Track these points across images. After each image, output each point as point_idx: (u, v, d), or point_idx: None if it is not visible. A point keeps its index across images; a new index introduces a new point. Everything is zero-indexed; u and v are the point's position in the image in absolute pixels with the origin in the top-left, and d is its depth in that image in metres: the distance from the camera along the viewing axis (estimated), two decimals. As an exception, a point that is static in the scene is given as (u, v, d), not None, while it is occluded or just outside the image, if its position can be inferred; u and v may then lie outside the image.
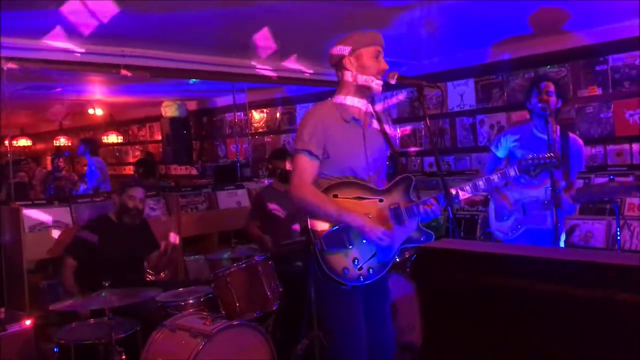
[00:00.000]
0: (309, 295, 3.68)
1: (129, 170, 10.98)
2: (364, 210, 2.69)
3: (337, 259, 2.64)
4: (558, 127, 3.68)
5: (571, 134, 3.91)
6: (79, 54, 5.21)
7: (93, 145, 7.87)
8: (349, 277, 2.65)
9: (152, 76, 5.57)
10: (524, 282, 1.16)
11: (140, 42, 5.37)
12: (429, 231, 2.86)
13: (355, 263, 2.67)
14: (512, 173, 2.97)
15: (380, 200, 2.76)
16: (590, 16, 5.12)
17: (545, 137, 3.53)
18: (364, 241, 2.68)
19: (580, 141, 3.96)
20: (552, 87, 3.75)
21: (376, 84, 2.72)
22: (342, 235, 2.64)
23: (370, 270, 2.71)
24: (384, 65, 2.74)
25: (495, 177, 2.95)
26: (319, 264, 2.62)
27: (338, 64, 2.78)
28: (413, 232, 2.83)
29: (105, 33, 4.89)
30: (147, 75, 5.43)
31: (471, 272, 1.25)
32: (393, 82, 2.56)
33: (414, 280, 2.22)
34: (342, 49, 2.75)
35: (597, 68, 5.62)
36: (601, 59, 5.59)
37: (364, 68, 2.72)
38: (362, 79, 2.72)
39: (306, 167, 2.69)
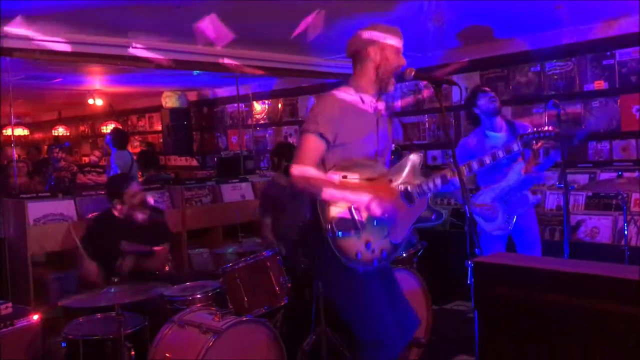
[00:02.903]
0: (316, 290, 3.69)
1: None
2: (374, 191, 2.64)
3: (350, 243, 2.59)
4: (503, 120, 4.15)
5: (516, 121, 4.26)
6: (81, 45, 5.17)
7: (117, 138, 7.62)
8: (363, 261, 2.61)
9: (155, 67, 5.52)
10: (584, 300, 1.13)
11: (146, 33, 5.33)
12: (439, 210, 2.87)
13: (368, 246, 2.63)
14: (515, 147, 3.00)
15: (390, 181, 2.74)
16: (597, 10, 5.09)
17: (497, 134, 4.05)
18: (375, 222, 2.64)
19: (528, 124, 4.19)
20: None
21: (392, 82, 2.74)
22: (352, 217, 2.60)
23: (383, 252, 2.68)
24: (403, 62, 2.74)
25: (500, 153, 2.96)
26: (331, 251, 2.57)
27: (360, 51, 2.73)
28: (424, 212, 2.82)
29: (111, 23, 4.85)
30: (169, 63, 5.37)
31: (529, 288, 1.23)
32: (410, 78, 2.53)
33: (474, 296, 2.17)
34: (371, 36, 2.71)
35: (604, 62, 5.59)
36: (608, 53, 5.57)
37: (387, 60, 2.70)
38: (382, 71, 2.71)
39: (312, 147, 2.62)
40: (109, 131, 9.57)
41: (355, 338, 2.79)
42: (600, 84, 5.62)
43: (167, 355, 3.31)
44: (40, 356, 3.41)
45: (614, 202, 5.09)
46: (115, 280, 3.24)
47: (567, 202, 3.37)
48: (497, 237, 4.15)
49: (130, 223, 4.16)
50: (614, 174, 5.17)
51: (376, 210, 2.57)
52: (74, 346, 3.27)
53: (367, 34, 2.73)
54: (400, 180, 2.76)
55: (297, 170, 2.60)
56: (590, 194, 5.27)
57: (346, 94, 2.72)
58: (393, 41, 2.72)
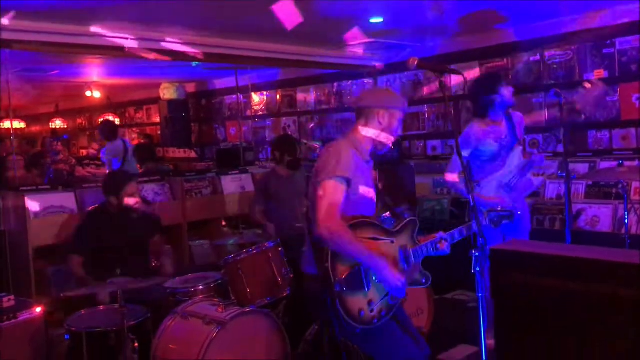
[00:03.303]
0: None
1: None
2: (379, 250, 2.71)
3: (355, 301, 2.62)
4: None
5: (511, 111, 4.21)
6: (81, 37, 5.13)
7: (106, 130, 7.55)
8: (364, 320, 2.65)
9: (156, 59, 5.49)
10: (603, 286, 1.13)
11: (146, 25, 5.30)
12: (427, 273, 2.94)
13: (370, 305, 2.67)
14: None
15: (392, 242, 2.80)
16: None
17: (499, 125, 4.07)
18: (378, 283, 2.69)
19: (521, 115, 4.32)
20: None
21: (387, 146, 2.88)
22: (362, 276, 2.64)
23: (382, 312, 2.72)
24: (400, 132, 2.93)
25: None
26: (335, 306, 2.57)
27: (371, 110, 2.83)
28: (416, 274, 2.91)
29: (110, 15, 4.82)
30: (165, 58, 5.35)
31: (548, 275, 1.22)
32: (413, 67, 2.52)
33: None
34: (385, 101, 2.85)
35: (604, 51, 5.58)
36: (608, 42, 5.55)
37: (390, 127, 2.84)
38: (384, 136, 2.83)
39: (339, 194, 2.63)
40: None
41: None
42: (600, 73, 5.60)
43: (171, 346, 3.32)
44: (43, 349, 3.41)
45: (614, 191, 5.10)
46: (118, 272, 3.24)
47: (569, 191, 3.38)
48: None
49: (123, 216, 4.14)
50: (614, 163, 5.17)
51: (387, 273, 2.63)
52: (77, 338, 3.28)
53: (383, 98, 2.89)
54: (401, 242, 2.82)
55: (330, 223, 2.56)
56: (590, 182, 5.27)
57: (351, 145, 2.81)
58: (400, 112, 2.87)
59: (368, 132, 2.83)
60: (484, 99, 4.07)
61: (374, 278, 2.66)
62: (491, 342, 3.89)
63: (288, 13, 5.01)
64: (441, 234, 2.89)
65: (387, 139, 2.85)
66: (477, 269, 2.46)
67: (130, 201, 4.10)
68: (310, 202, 2.75)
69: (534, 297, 1.27)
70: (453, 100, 6.74)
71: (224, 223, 5.73)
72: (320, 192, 2.62)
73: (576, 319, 1.15)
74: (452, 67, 2.76)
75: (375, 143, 2.86)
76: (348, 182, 2.65)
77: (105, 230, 4.05)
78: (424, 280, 2.92)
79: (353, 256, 2.60)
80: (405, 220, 2.89)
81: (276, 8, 4.83)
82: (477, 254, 2.45)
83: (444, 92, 2.46)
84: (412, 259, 2.80)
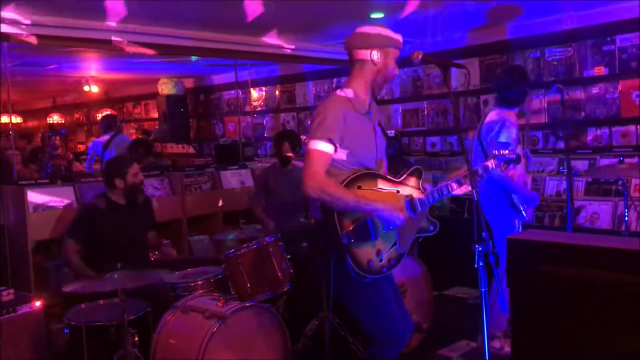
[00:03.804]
0: (325, 287, 3.68)
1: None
2: (387, 201, 2.71)
3: (363, 252, 2.63)
4: None
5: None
6: (78, 30, 5.11)
7: (106, 123, 7.49)
8: (373, 270, 2.66)
9: (155, 53, 5.47)
10: (625, 275, 1.12)
11: (142, 19, 5.28)
12: (435, 220, 2.95)
13: (379, 255, 2.68)
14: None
15: (397, 192, 2.79)
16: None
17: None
18: (385, 231, 2.69)
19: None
20: None
21: (385, 88, 2.87)
22: (369, 227, 2.64)
23: (391, 261, 2.74)
24: (397, 71, 2.83)
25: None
26: (344, 259, 2.59)
27: (363, 53, 2.73)
28: (423, 222, 2.92)
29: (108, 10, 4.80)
30: (152, 52, 5.33)
31: (565, 263, 1.21)
32: (418, 61, 2.51)
33: (510, 271, 2.15)
34: (375, 41, 2.73)
35: (604, 48, 5.58)
36: (608, 39, 5.55)
37: (386, 67, 2.76)
38: (380, 77, 2.77)
39: (323, 156, 2.62)
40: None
41: (369, 337, 2.87)
42: (600, 70, 5.61)
43: (171, 341, 3.31)
44: (43, 343, 3.40)
45: (613, 187, 5.10)
46: (118, 266, 3.22)
47: (570, 187, 3.37)
48: None
49: (126, 206, 4.14)
50: (614, 160, 5.18)
51: (392, 221, 2.63)
52: (76, 332, 3.27)
53: (374, 36, 2.74)
54: (406, 191, 2.81)
55: (313, 182, 2.58)
56: (590, 179, 5.28)
57: (346, 97, 2.73)
58: (396, 50, 2.78)
59: (362, 78, 2.76)
60: (520, 90, 3.93)
61: (379, 227, 2.66)
62: (495, 342, 3.92)
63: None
64: (445, 182, 2.86)
65: (381, 84, 2.79)
66: (480, 264, 2.45)
67: (136, 179, 4.12)
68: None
69: (553, 286, 1.26)
70: (457, 95, 6.73)
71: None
72: (307, 155, 2.64)
73: (598, 308, 1.14)
74: (458, 62, 2.72)
75: (371, 87, 2.79)
76: (334, 142, 2.61)
77: (106, 221, 4.04)
78: (431, 228, 2.93)
79: (343, 208, 2.59)
80: (410, 169, 2.87)
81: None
82: (480, 248, 2.45)
83: (448, 86, 2.44)
84: (419, 207, 2.78)
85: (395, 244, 2.74)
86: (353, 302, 2.80)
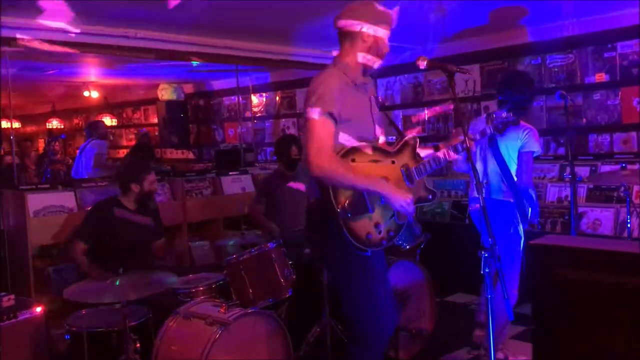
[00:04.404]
0: (324, 280, 3.67)
1: (123, 153, 10.85)
2: (380, 172, 2.67)
3: (361, 226, 2.60)
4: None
5: None
6: (80, 35, 5.11)
7: (88, 130, 7.59)
8: (372, 243, 2.63)
9: (156, 58, 5.47)
10: None
11: (144, 24, 5.28)
12: (434, 190, 2.91)
13: (378, 227, 2.64)
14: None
15: (392, 162, 2.76)
16: (598, 2, 5.07)
17: None
18: (383, 203, 2.65)
19: None
20: None
21: (377, 64, 2.75)
22: (365, 200, 2.60)
23: (391, 232, 2.70)
24: (387, 49, 2.76)
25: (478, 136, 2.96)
26: (342, 234, 2.55)
27: (354, 29, 2.68)
28: (422, 191, 2.87)
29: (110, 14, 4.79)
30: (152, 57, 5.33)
31: (592, 270, 1.20)
32: (423, 66, 2.50)
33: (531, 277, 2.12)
34: (363, 20, 2.67)
35: (605, 55, 5.58)
36: (609, 45, 5.55)
37: (377, 45, 2.71)
38: (371, 55, 2.71)
39: (327, 131, 2.54)
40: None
41: (353, 328, 2.82)
42: (601, 77, 5.61)
43: (173, 347, 3.28)
44: (43, 348, 3.37)
45: (615, 194, 5.10)
46: (120, 271, 3.19)
47: (574, 193, 3.36)
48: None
49: (135, 212, 4.17)
50: (615, 167, 5.18)
51: (402, 205, 2.60)
52: (77, 338, 3.24)
53: (363, 13, 2.68)
54: (402, 161, 2.78)
55: (320, 161, 2.50)
56: (591, 186, 5.27)
57: (339, 71, 2.68)
58: (387, 26, 2.71)
59: (353, 55, 2.71)
60: (530, 96, 3.92)
61: (375, 199, 2.62)
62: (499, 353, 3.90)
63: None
64: (442, 150, 2.84)
65: (372, 60, 2.72)
66: (487, 270, 2.44)
67: (152, 187, 4.16)
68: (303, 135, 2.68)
69: (574, 291, 1.25)
70: (461, 101, 6.73)
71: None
72: (307, 130, 2.55)
73: (620, 313, 1.13)
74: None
75: (363, 64, 2.73)
76: (334, 117, 2.55)
77: (115, 225, 4.05)
78: (430, 197, 2.89)
79: (352, 188, 2.55)
80: (404, 139, 2.83)
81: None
82: (486, 254, 2.43)
83: (453, 92, 2.44)
84: (416, 176, 2.76)
85: (393, 215, 2.69)
86: (347, 284, 2.74)
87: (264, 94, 9.08)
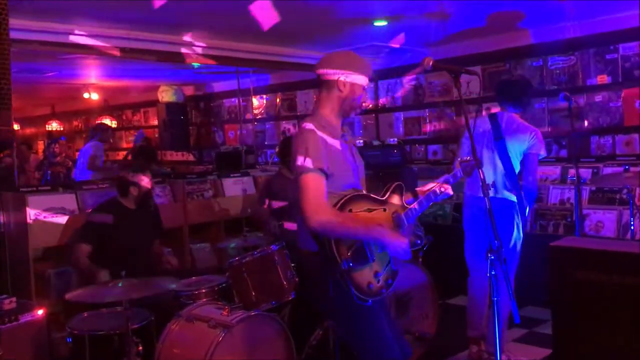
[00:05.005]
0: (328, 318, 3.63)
1: (122, 155, 10.83)
2: (379, 221, 2.68)
3: (362, 276, 2.60)
4: None
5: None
6: (82, 37, 5.10)
7: (90, 133, 7.62)
8: (373, 292, 2.63)
9: (156, 60, 5.46)
10: None
11: (146, 26, 5.27)
12: (421, 234, 3.05)
13: (377, 276, 2.65)
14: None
15: (384, 210, 2.77)
16: (600, 4, 5.07)
17: None
18: (380, 252, 2.66)
19: None
20: None
21: (354, 114, 2.76)
22: (365, 249, 2.61)
23: (389, 280, 2.71)
24: (366, 99, 2.75)
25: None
26: (346, 285, 2.54)
27: (330, 78, 2.67)
28: (411, 237, 2.89)
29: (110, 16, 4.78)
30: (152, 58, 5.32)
31: (615, 272, 1.18)
32: (428, 68, 2.49)
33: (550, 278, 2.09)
34: (340, 69, 2.65)
35: (607, 57, 5.58)
36: (611, 47, 5.55)
37: (353, 95, 2.68)
38: (347, 104, 2.69)
39: (320, 187, 2.53)
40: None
41: None
42: (603, 79, 5.61)
43: (175, 350, 3.26)
44: (45, 351, 3.35)
45: (617, 196, 5.09)
46: (123, 274, 3.18)
47: (579, 195, 3.35)
48: None
49: (136, 211, 4.17)
50: (617, 169, 5.17)
51: (389, 239, 2.59)
52: (79, 341, 3.22)
53: (341, 62, 2.67)
54: (392, 208, 2.80)
55: (320, 216, 2.48)
56: (593, 188, 5.26)
57: (319, 126, 2.63)
58: (363, 79, 2.68)
59: (330, 103, 2.68)
60: (526, 102, 3.97)
61: (374, 249, 2.63)
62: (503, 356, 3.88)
63: (265, 13, 4.97)
64: (428, 192, 2.84)
65: (351, 108, 2.69)
66: (493, 273, 2.43)
67: (147, 186, 4.19)
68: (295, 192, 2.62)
69: (594, 293, 1.23)
70: (453, 105, 6.74)
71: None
72: (301, 187, 2.52)
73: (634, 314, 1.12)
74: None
75: (340, 113, 2.71)
76: (323, 171, 2.53)
77: (116, 225, 4.04)
78: (418, 242, 2.94)
79: (351, 238, 2.55)
80: (390, 187, 2.85)
81: (253, 8, 4.79)
82: (492, 257, 2.42)
83: (459, 92, 2.43)
84: (405, 222, 2.77)
85: (389, 262, 2.71)
86: (353, 332, 2.74)
87: (264, 96, 9.07)
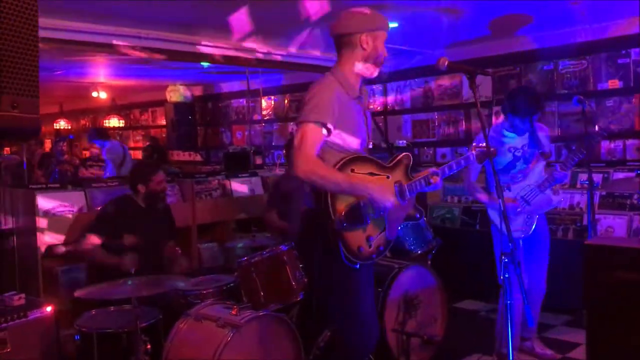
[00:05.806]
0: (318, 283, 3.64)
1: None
2: (379, 185, 2.70)
3: (354, 237, 2.62)
4: None
5: (536, 123, 3.92)
6: (91, 35, 5.10)
7: (93, 133, 7.67)
8: (363, 256, 2.65)
9: (167, 59, 5.46)
10: None
11: (156, 24, 5.27)
12: (420, 208, 2.95)
13: (369, 240, 2.67)
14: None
15: (387, 177, 2.79)
16: (612, 8, 5.04)
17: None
18: (376, 217, 2.68)
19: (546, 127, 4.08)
20: None
21: (377, 70, 2.77)
22: (361, 210, 2.62)
23: (380, 247, 2.73)
24: (386, 54, 2.76)
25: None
26: (336, 243, 2.57)
27: (352, 36, 2.68)
28: (411, 210, 2.90)
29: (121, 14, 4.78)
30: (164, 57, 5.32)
31: None
32: (444, 68, 2.49)
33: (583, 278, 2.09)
34: (363, 24, 2.67)
35: (619, 61, 5.55)
36: (623, 52, 5.52)
37: (376, 51, 2.70)
38: (368, 66, 2.72)
39: (316, 139, 2.57)
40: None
41: (337, 335, 2.90)
42: (614, 83, 5.58)
43: (184, 349, 3.25)
44: (53, 349, 3.34)
45: (628, 201, 5.05)
46: (132, 271, 3.17)
47: (591, 200, 3.32)
48: (514, 239, 4.03)
49: (146, 212, 4.17)
50: (628, 174, 5.14)
51: (383, 203, 2.61)
52: (87, 339, 3.21)
53: (361, 20, 2.68)
54: (396, 177, 2.81)
55: (305, 164, 2.53)
56: (604, 193, 5.22)
57: (337, 82, 2.69)
58: (384, 31, 2.72)
59: (351, 63, 2.71)
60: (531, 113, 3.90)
61: (371, 212, 2.64)
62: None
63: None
64: (433, 169, 2.87)
65: (370, 69, 2.72)
66: (506, 276, 2.41)
67: (159, 187, 4.16)
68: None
69: (630, 292, 1.21)
70: (461, 108, 6.71)
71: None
72: (298, 136, 2.57)
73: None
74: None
75: (361, 70, 2.74)
76: (327, 128, 2.57)
77: (127, 222, 4.04)
78: (417, 216, 2.94)
79: (335, 189, 2.56)
80: (399, 156, 2.87)
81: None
82: (506, 260, 2.40)
83: (474, 94, 2.41)
84: (407, 193, 2.79)
85: (384, 229, 2.72)
86: (333, 291, 2.76)
87: (272, 97, 9.06)
